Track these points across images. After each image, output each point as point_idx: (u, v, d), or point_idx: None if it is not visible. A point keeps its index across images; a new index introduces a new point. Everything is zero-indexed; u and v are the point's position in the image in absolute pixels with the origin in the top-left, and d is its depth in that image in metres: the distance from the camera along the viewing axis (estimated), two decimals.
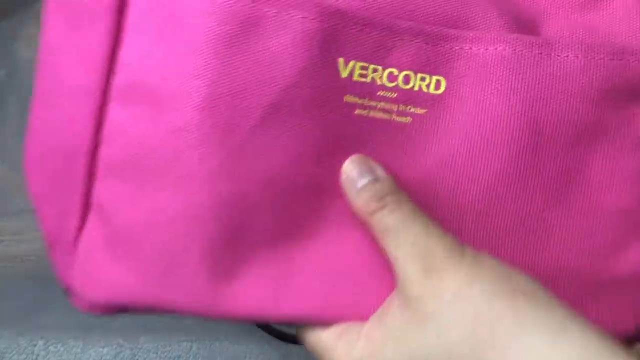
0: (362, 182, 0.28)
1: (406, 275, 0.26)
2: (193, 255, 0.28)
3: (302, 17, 0.28)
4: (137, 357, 0.44)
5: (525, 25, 0.30)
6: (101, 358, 0.44)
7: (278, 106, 0.28)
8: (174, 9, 0.28)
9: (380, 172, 0.28)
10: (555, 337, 0.23)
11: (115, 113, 0.29)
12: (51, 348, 0.44)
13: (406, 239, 0.26)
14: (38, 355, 0.44)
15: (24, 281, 0.49)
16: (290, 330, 0.43)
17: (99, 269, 0.29)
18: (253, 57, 0.27)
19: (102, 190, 0.29)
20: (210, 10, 0.27)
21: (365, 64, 0.28)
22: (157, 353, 0.44)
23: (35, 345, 0.44)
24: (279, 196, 0.28)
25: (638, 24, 0.30)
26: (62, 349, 0.44)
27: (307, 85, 0.28)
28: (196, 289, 0.28)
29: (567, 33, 0.30)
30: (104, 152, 0.29)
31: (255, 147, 0.28)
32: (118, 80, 0.29)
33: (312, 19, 0.28)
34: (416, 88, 0.29)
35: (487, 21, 0.29)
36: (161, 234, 0.28)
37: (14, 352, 0.45)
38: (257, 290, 0.28)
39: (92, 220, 0.29)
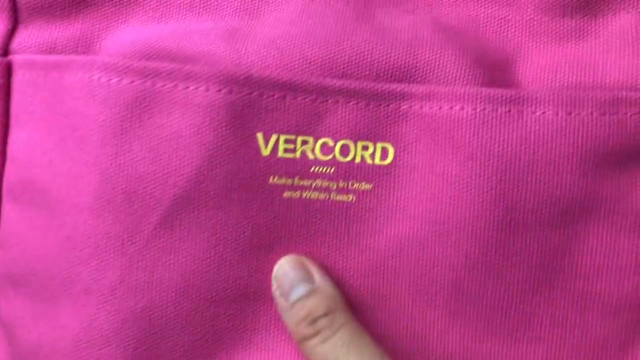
0: (295, 295, 0.23)
1: None
2: None
3: (205, 90, 0.22)
4: None
5: (494, 67, 0.23)
6: None
7: (186, 199, 0.23)
8: (58, 92, 0.23)
9: (318, 278, 0.23)
10: None
11: (9, 215, 0.25)
12: None
13: None
14: None
15: None
16: None
17: None
18: (150, 143, 0.23)
19: (4, 305, 0.25)
20: (92, 92, 0.23)
21: (291, 137, 0.23)
22: None
23: None
24: (198, 307, 0.23)
25: (638, 54, 0.22)
26: None
27: (220, 170, 0.23)
28: None
29: (547, 75, 0.23)
30: (2, 259, 0.25)
31: (161, 251, 0.23)
32: (7, 177, 0.25)
33: (218, 91, 0.22)
34: (358, 159, 0.23)
35: (443, 69, 0.23)
36: (64, 359, 0.24)
37: None
38: None
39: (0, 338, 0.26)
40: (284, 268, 0.23)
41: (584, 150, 0.21)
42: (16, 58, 0.24)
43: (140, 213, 0.23)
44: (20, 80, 0.24)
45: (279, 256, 0.24)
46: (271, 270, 0.24)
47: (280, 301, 0.23)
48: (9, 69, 0.25)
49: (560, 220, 0.22)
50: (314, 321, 0.22)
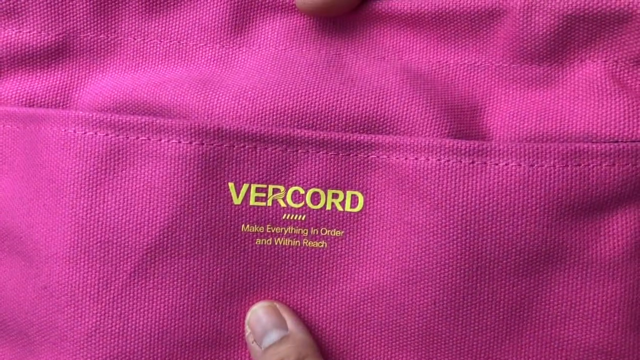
0: (268, 340, 0.23)
1: None
2: None
3: (177, 142, 0.23)
4: None
5: (462, 115, 0.24)
6: None
7: (160, 248, 0.23)
8: (35, 144, 0.24)
9: (290, 324, 0.23)
10: None
11: None
12: None
13: None
14: None
15: None
16: None
17: None
18: (123, 194, 0.23)
19: None
20: (68, 145, 0.23)
21: (262, 186, 0.24)
22: None
23: None
24: (172, 354, 0.24)
25: (604, 103, 0.23)
26: None
27: (193, 220, 0.23)
28: None
29: (514, 123, 0.23)
30: None
31: (135, 299, 0.23)
32: None
33: (189, 143, 0.23)
34: (329, 207, 0.24)
35: (411, 120, 0.23)
36: None
37: None
38: None
39: None
40: (258, 314, 0.24)
41: (546, 201, 0.22)
42: None
43: (115, 262, 0.23)
44: (1, 131, 0.25)
45: (251, 303, 0.24)
46: (244, 317, 0.24)
47: (253, 347, 0.23)
48: None
49: (526, 269, 0.22)
50: None
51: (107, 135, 0.23)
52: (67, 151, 0.23)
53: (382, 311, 0.24)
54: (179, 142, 0.23)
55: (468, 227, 0.22)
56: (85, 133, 0.23)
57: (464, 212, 0.22)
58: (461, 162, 0.22)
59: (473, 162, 0.22)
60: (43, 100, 0.25)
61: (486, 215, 0.22)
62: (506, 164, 0.22)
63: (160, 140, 0.23)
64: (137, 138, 0.23)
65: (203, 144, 0.23)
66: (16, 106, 0.25)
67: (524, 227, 0.22)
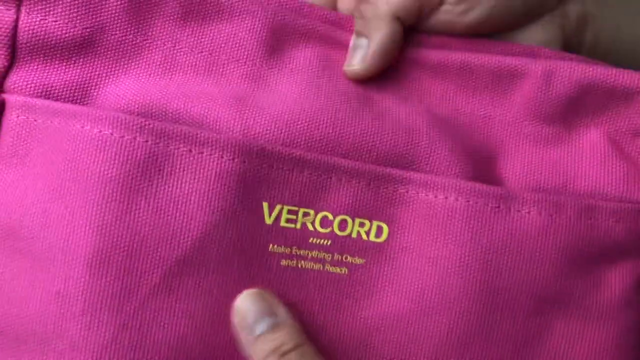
0: (260, 328, 0.23)
1: None
2: None
3: (219, 157, 0.23)
4: None
5: (481, 163, 0.26)
6: None
7: (187, 262, 0.23)
8: (59, 141, 0.23)
9: (281, 312, 0.23)
10: None
11: None
12: None
13: None
14: None
15: None
16: None
17: None
18: (157, 204, 0.22)
19: None
20: (101, 146, 0.22)
21: (294, 208, 0.24)
22: None
23: None
24: None
25: (606, 166, 0.26)
26: None
27: (223, 236, 0.23)
28: None
29: (529, 173, 0.26)
30: None
31: (157, 312, 0.23)
32: None
33: (231, 159, 0.23)
34: (354, 235, 0.25)
35: (437, 161, 0.25)
36: None
37: None
38: None
39: None
40: (247, 301, 0.23)
41: (560, 250, 0.24)
42: (11, 98, 0.24)
43: (140, 272, 0.22)
44: (14, 121, 0.23)
45: None
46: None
47: (243, 334, 0.23)
48: (1, 107, 0.24)
49: (535, 309, 0.25)
50: (283, 355, 0.22)
51: (146, 141, 0.22)
52: (101, 153, 0.22)
53: (395, 339, 0.25)
54: (221, 157, 0.23)
55: (488, 266, 0.24)
56: (123, 137, 0.22)
57: (486, 252, 0.24)
58: (488, 205, 0.24)
59: (499, 207, 0.24)
60: (60, 94, 0.24)
61: (506, 256, 0.24)
62: (528, 212, 0.24)
63: (202, 153, 0.23)
64: (178, 148, 0.23)
65: (245, 161, 0.23)
66: (36, 97, 0.24)
67: (538, 271, 0.24)
